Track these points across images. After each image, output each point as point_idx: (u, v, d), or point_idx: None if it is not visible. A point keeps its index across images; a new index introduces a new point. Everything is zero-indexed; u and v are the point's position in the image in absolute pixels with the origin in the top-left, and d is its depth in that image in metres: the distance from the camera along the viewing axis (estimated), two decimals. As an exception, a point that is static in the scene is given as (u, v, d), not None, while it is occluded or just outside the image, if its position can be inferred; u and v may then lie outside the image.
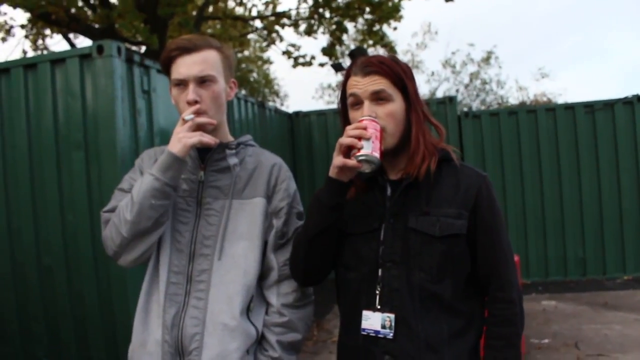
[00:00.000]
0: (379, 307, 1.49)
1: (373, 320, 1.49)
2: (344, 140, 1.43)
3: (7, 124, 4.13)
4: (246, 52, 18.39)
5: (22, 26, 11.25)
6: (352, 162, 1.42)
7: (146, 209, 1.54)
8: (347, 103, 1.55)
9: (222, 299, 1.61)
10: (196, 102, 1.60)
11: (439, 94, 20.17)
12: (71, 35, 11.39)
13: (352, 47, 15.28)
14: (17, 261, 4.11)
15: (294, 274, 1.65)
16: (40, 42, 12.27)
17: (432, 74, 22.33)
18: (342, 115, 1.61)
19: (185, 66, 1.61)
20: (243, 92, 16.87)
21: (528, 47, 40.22)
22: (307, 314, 1.73)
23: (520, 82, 25.88)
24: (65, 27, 9.43)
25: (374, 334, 1.48)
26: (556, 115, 7.76)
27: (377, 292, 1.49)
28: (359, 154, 1.41)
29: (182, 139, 1.55)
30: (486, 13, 39.96)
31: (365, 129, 1.42)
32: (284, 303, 1.68)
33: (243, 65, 19.14)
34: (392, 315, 1.47)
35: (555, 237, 7.73)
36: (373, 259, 1.51)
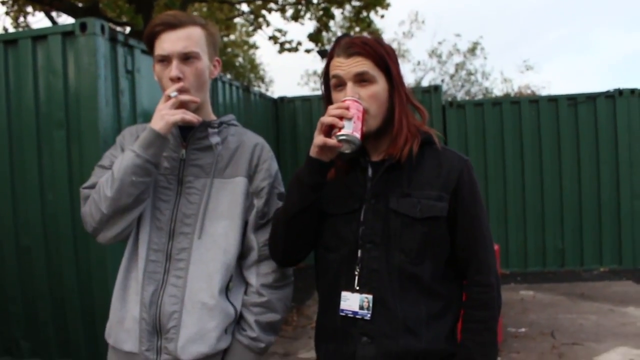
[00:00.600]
0: (357, 288, 1.49)
1: (351, 301, 1.49)
2: (326, 119, 1.42)
3: (-14, 101, 4.05)
4: (232, 37, 18.23)
5: (3, 2, 11.00)
6: (332, 141, 1.41)
7: (127, 185, 1.53)
8: (330, 84, 1.54)
9: (202, 277, 1.60)
10: (179, 78, 1.58)
11: (425, 84, 20.22)
12: (54, 14, 11.19)
13: (339, 33, 15.24)
14: (-5, 241, 4.06)
15: (273, 253, 1.65)
16: (21, 19, 12.03)
17: (418, 63, 22.35)
18: (324, 96, 1.60)
19: (169, 42, 1.59)
20: (228, 76, 16.74)
21: (513, 40, 40.57)
22: (286, 294, 1.72)
23: (505, 73, 25.97)
24: (47, 4, 9.28)
25: (352, 315, 1.49)
26: (539, 107, 7.84)
27: (356, 273, 1.50)
28: (339, 133, 1.40)
29: (164, 116, 1.53)
30: (473, 4, 40.06)
31: (347, 108, 1.41)
32: (263, 283, 1.68)
33: (229, 50, 18.96)
34: (370, 296, 1.47)
35: (535, 228, 7.84)
36: (353, 239, 1.51)
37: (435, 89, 8.04)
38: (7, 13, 11.64)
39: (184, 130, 1.68)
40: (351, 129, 1.40)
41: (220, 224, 1.64)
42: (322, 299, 1.63)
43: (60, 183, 3.84)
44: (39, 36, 3.91)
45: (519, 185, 7.84)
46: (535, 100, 8.04)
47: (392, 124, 1.52)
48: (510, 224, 7.85)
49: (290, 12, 11.21)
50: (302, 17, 11.07)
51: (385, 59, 1.49)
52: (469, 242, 1.51)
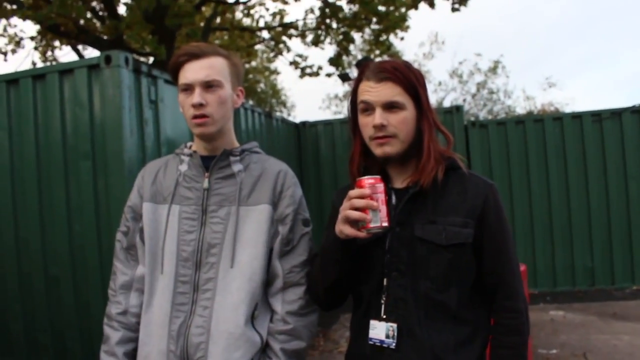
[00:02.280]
0: (384, 316, 1.49)
1: (379, 330, 1.48)
2: (352, 214, 1.39)
3: (15, 134, 4.16)
4: (253, 63, 18.47)
5: (32, 38, 11.36)
6: (363, 234, 1.40)
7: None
8: (358, 108, 1.54)
9: (227, 307, 1.61)
10: (201, 105, 1.61)
11: (446, 104, 20.18)
12: (80, 47, 11.48)
13: (359, 57, 15.32)
14: (24, 271, 4.13)
15: (317, 303, 1.69)
16: (49, 53, 12.37)
17: (439, 83, 22.25)
18: (351, 119, 1.60)
19: (192, 71, 1.63)
20: (250, 102, 16.93)
21: (535, 57, 40.31)
22: (311, 321, 1.72)
23: (527, 91, 25.98)
24: (74, 38, 9.53)
25: (379, 344, 1.48)
26: (563, 124, 7.73)
27: (382, 301, 1.49)
28: (369, 227, 1.38)
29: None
30: (493, 23, 40.07)
31: (370, 197, 1.38)
32: (289, 310, 1.67)
33: (250, 76, 19.21)
34: (395, 325, 1.46)
35: (564, 246, 7.67)
36: (379, 268, 1.51)
37: (457, 109, 7.98)
38: (35, 48, 12.00)
39: (206, 160, 1.70)
40: (379, 222, 1.38)
41: (245, 252, 1.64)
42: (353, 328, 1.63)
43: (87, 214, 3.89)
44: (66, 70, 4.01)
45: (545, 204, 7.72)
46: (559, 118, 7.94)
47: (417, 149, 1.52)
48: (538, 243, 7.70)
49: (310, 37, 11.36)
50: (322, 42, 11.19)
51: (414, 84, 1.49)
52: (496, 268, 1.49)
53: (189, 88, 1.64)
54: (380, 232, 1.40)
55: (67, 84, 4.00)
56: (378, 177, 1.43)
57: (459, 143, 7.60)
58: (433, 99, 20.77)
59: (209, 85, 1.63)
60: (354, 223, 1.40)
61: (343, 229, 1.42)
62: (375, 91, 1.48)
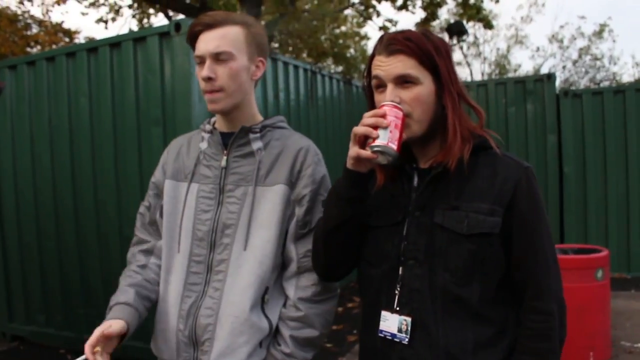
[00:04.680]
0: (397, 308, 1.36)
1: (391, 322, 1.36)
2: (358, 129, 1.30)
3: (95, 100, 4.34)
4: (343, 28, 18.23)
5: (129, 6, 11.81)
6: (365, 152, 1.29)
7: None
8: (372, 85, 1.41)
9: (236, 290, 1.55)
10: (210, 78, 1.54)
11: (544, 71, 19.02)
12: (172, 14, 11.82)
13: (452, 21, 14.69)
14: (102, 231, 4.36)
15: (315, 268, 1.56)
16: (145, 21, 12.85)
17: (537, 49, 20.90)
18: (368, 97, 1.47)
19: (204, 42, 1.56)
20: (340, 68, 16.78)
21: (651, 19, 36.83)
22: (326, 309, 1.62)
23: (637, 57, 23.71)
24: (164, 5, 9.78)
25: (390, 337, 1.36)
26: (671, 95, 6.99)
27: (397, 291, 1.37)
28: (373, 144, 1.28)
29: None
30: (603, -18, 36.91)
31: (383, 116, 1.28)
32: (301, 297, 1.59)
33: (340, 41, 18.99)
34: (409, 319, 1.33)
35: (663, 228, 7.03)
36: (394, 255, 1.38)
37: (549, 77, 7.37)
38: (133, 16, 12.49)
39: (226, 137, 1.63)
40: (386, 140, 1.27)
41: (258, 234, 1.57)
42: (364, 317, 1.51)
43: (158, 178, 4.00)
44: (139, 37, 4.11)
45: (644, 181, 7.07)
46: (665, 88, 7.19)
47: (441, 128, 1.36)
48: (634, 224, 7.08)
49: (400, 1, 11.01)
50: (413, 5, 10.84)
51: (431, 55, 1.32)
52: (526, 263, 1.31)
53: (201, 60, 1.58)
54: (385, 153, 1.28)
55: (140, 51, 4.10)
56: (399, 105, 1.31)
57: (549, 114, 7.11)
58: (530, 66, 19.67)
59: (219, 57, 1.55)
60: (362, 143, 1.31)
61: (350, 151, 1.33)
62: (385, 65, 1.34)
